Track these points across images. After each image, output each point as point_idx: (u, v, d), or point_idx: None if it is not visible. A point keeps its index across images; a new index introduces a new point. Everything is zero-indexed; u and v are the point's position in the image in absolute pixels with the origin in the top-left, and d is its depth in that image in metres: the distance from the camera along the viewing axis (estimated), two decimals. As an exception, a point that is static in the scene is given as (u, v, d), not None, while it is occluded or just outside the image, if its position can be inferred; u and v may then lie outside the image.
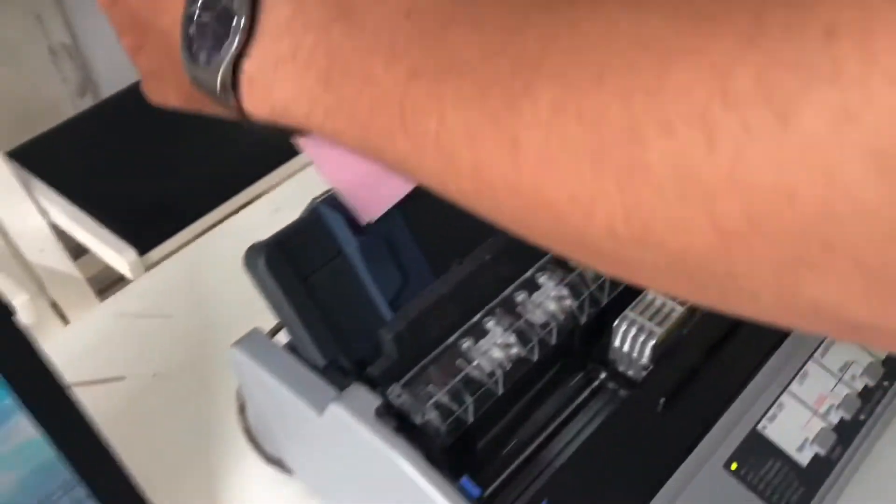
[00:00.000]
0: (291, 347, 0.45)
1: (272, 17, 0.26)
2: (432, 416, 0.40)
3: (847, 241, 0.15)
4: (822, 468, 0.40)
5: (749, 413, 0.41)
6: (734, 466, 0.39)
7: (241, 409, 0.51)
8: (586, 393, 0.49)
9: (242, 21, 0.26)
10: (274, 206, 0.71)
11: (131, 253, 1.07)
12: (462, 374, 0.41)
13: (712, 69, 0.16)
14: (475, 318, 0.44)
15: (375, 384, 0.41)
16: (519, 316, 0.43)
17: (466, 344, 0.42)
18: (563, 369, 0.49)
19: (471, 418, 0.41)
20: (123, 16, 0.32)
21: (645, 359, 0.46)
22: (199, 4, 0.28)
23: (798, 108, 0.15)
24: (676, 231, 0.18)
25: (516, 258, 0.46)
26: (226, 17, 0.27)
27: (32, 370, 0.39)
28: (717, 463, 0.39)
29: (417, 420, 0.40)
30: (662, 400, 0.42)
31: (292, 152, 1.27)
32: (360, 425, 0.39)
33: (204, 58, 0.28)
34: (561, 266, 0.45)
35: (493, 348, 0.42)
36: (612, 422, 0.43)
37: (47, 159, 1.29)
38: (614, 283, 0.46)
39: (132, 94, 1.40)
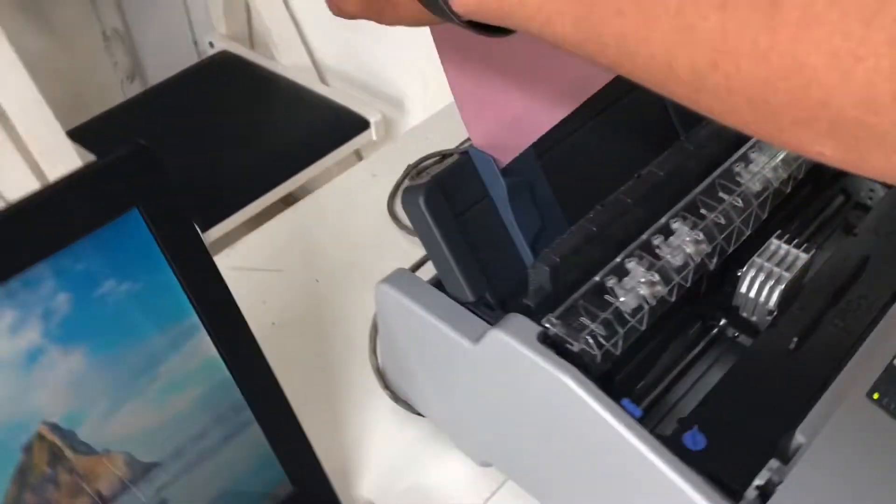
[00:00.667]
0: (436, 285, 0.47)
1: None
2: (587, 345, 0.42)
3: None
4: (956, 399, 0.42)
5: (884, 349, 0.43)
6: (876, 396, 0.41)
7: (374, 350, 0.54)
8: (710, 336, 0.51)
9: None
10: (370, 171, 0.73)
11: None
12: (612, 307, 0.43)
13: None
14: (618, 259, 0.46)
15: (531, 315, 0.43)
16: (658, 258, 0.46)
17: (612, 282, 0.44)
18: (688, 315, 0.51)
19: (619, 350, 0.43)
20: None
21: (772, 304, 0.48)
22: None
23: None
24: None
25: (653, 203, 0.48)
26: None
27: (214, 295, 0.41)
28: (860, 392, 0.41)
29: (574, 348, 0.42)
30: (795, 339, 0.45)
31: (332, 144, 1.29)
32: (525, 350, 0.41)
33: None
34: (693, 213, 0.48)
35: (639, 285, 0.44)
36: (746, 359, 0.45)
37: (103, 140, 1.31)
38: (740, 233, 0.48)
39: (179, 81, 1.43)
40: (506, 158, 0.46)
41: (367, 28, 1.18)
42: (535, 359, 0.41)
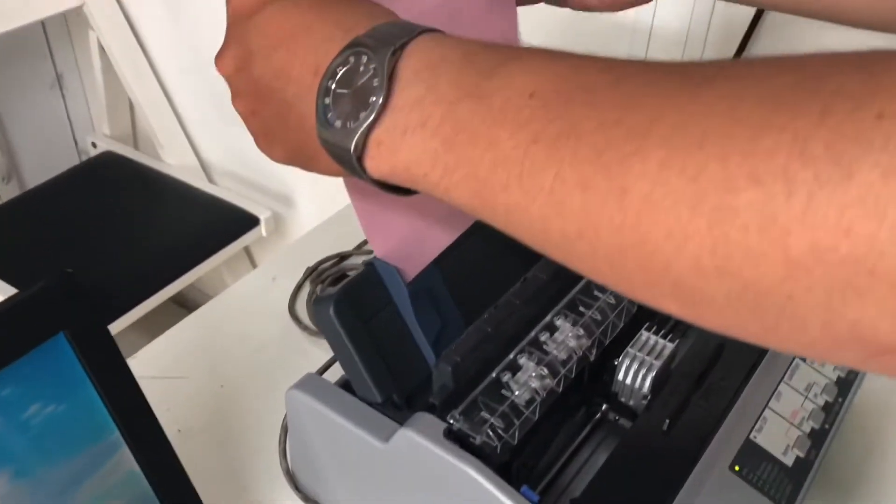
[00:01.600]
0: (344, 386, 0.51)
1: (406, 95, 0.31)
2: (488, 437, 0.46)
3: (887, 268, 0.20)
4: (803, 467, 0.49)
5: (741, 425, 0.49)
6: (737, 468, 0.47)
7: (283, 453, 0.56)
8: (594, 421, 0.56)
9: (381, 100, 0.31)
10: (270, 275, 0.76)
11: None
12: (508, 401, 0.48)
13: (793, 138, 0.22)
14: (511, 356, 0.51)
15: (435, 412, 0.47)
16: (546, 353, 0.51)
17: (507, 377, 0.49)
18: (574, 402, 0.56)
19: (516, 440, 0.48)
20: (244, 83, 0.36)
21: (646, 389, 0.54)
22: (335, 81, 0.33)
23: (858, 167, 0.20)
24: (753, 261, 0.22)
25: (539, 302, 0.54)
26: (364, 93, 0.32)
27: (136, 411, 0.43)
28: (724, 466, 0.47)
29: (476, 441, 0.46)
30: (667, 420, 0.50)
31: (221, 242, 1.30)
32: (432, 446, 0.45)
33: (339, 124, 0.32)
34: (573, 311, 0.54)
35: (531, 379, 0.49)
36: (627, 441, 0.51)
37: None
38: (615, 326, 0.55)
39: (60, 182, 1.41)
40: (408, 269, 0.51)
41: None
42: (441, 454, 0.44)
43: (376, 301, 0.50)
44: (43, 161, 1.56)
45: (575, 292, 0.55)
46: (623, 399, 0.56)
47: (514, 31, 0.54)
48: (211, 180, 1.48)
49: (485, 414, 0.47)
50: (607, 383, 0.56)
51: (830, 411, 0.52)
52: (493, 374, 0.50)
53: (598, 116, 0.26)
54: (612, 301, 0.55)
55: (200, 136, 1.47)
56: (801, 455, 0.49)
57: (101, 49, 1.38)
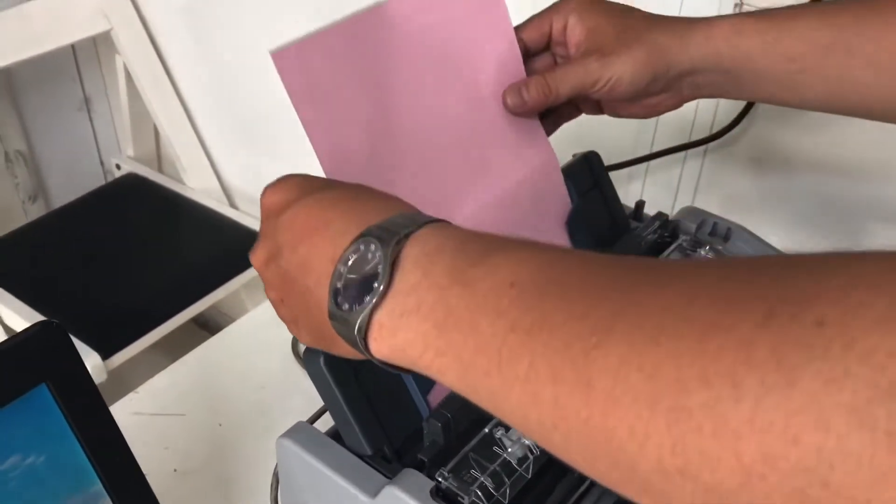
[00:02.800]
0: (334, 436, 0.50)
1: (405, 280, 0.33)
2: (477, 497, 0.45)
3: (840, 482, 0.20)
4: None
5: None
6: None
7: (275, 500, 0.55)
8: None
9: (382, 286, 0.33)
10: (275, 310, 0.76)
11: (95, 357, 1.08)
12: (501, 458, 0.47)
13: (739, 341, 0.22)
14: (505, 410, 0.50)
15: (424, 468, 0.46)
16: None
17: (500, 433, 0.48)
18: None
19: (507, 500, 0.47)
20: (274, 274, 0.39)
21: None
22: (347, 267, 0.35)
23: (801, 373, 0.20)
24: (710, 464, 0.22)
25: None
26: (369, 279, 0.33)
27: (119, 463, 0.43)
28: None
29: (465, 501, 0.45)
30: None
31: (241, 266, 1.31)
32: (418, 506, 0.44)
33: (347, 307, 0.34)
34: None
35: (524, 436, 0.48)
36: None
37: (1, 263, 1.29)
38: None
39: (84, 203, 1.43)
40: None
41: (272, 153, 1.23)
42: (426, 515, 0.43)
43: (369, 351, 0.49)
44: (69, 181, 1.58)
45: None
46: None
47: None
48: (232, 204, 1.49)
49: (475, 472, 0.46)
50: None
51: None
52: (486, 430, 0.48)
53: (567, 308, 0.28)
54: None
55: (223, 160, 1.48)
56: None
57: (127, 73, 1.40)
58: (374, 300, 0.33)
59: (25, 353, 0.39)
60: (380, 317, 0.33)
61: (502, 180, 0.56)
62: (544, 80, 0.53)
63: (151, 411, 0.65)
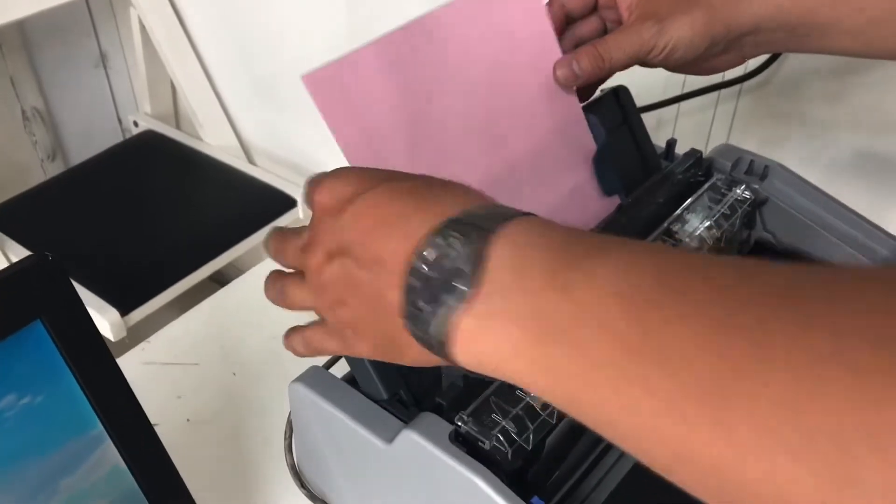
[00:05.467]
0: (350, 381, 0.47)
1: (492, 281, 0.29)
2: (498, 442, 0.43)
3: None
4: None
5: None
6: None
7: (289, 448, 0.53)
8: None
9: (468, 286, 0.29)
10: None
11: (113, 313, 1.07)
12: (523, 402, 0.44)
13: None
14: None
15: (443, 413, 0.44)
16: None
17: (522, 376, 0.45)
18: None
19: (531, 445, 0.44)
20: (336, 276, 0.35)
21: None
22: (425, 264, 0.31)
23: None
24: None
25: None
26: (451, 277, 0.30)
27: (120, 404, 0.41)
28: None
29: (486, 446, 0.42)
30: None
31: (259, 222, 1.29)
32: (436, 450, 0.41)
33: (425, 308, 0.31)
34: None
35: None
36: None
37: (21, 221, 1.28)
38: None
39: (102, 160, 1.42)
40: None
41: (292, 109, 1.20)
42: (445, 459, 0.41)
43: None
44: (87, 139, 1.56)
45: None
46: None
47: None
48: (251, 160, 1.46)
49: (496, 416, 0.43)
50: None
51: None
52: (508, 373, 0.46)
53: (690, 334, 0.24)
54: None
55: (240, 116, 1.46)
56: None
57: (143, 27, 1.37)
58: (458, 302, 0.30)
59: (18, 286, 0.37)
60: (463, 319, 0.30)
61: (526, 136, 0.53)
62: (596, 50, 0.49)
63: (164, 360, 0.63)
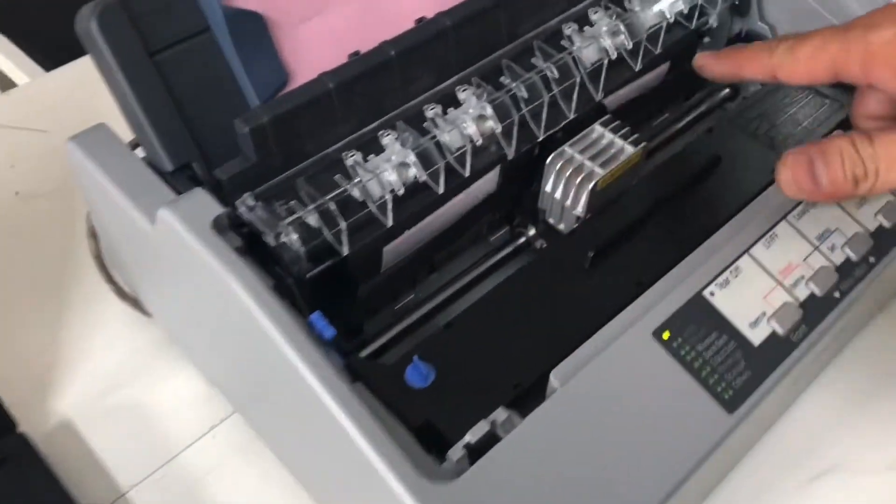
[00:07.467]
0: (139, 146, 0.36)
1: None
2: (290, 237, 0.31)
3: None
4: (777, 350, 0.31)
5: (695, 275, 0.32)
6: (666, 335, 0.30)
7: (93, 233, 0.42)
8: (507, 251, 0.40)
9: None
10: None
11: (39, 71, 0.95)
12: (339, 190, 0.32)
13: None
14: (368, 128, 0.34)
15: (223, 191, 0.32)
16: (426, 133, 0.34)
17: (353, 158, 0.33)
18: (485, 219, 0.40)
19: (345, 249, 0.32)
20: None
21: (579, 209, 0.37)
22: None
23: None
24: None
25: (431, 62, 0.36)
26: None
27: None
28: (645, 329, 0.30)
29: (270, 241, 0.31)
30: (591, 253, 0.33)
31: None
32: (191, 237, 0.30)
33: None
34: (487, 80, 0.36)
35: (386, 167, 0.33)
36: (522, 276, 0.34)
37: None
38: (553, 114, 0.37)
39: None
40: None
41: None
42: (200, 251, 0.29)
43: (182, 22, 0.34)
44: None
45: (500, 54, 0.37)
46: (552, 220, 0.39)
47: None
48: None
49: (295, 204, 0.31)
50: (535, 197, 0.39)
51: (850, 275, 0.34)
52: (329, 150, 0.33)
53: None
54: (555, 74, 0.36)
55: None
56: (781, 332, 0.32)
57: None
58: None
59: None
60: None
61: None
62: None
63: (6, 123, 0.53)
